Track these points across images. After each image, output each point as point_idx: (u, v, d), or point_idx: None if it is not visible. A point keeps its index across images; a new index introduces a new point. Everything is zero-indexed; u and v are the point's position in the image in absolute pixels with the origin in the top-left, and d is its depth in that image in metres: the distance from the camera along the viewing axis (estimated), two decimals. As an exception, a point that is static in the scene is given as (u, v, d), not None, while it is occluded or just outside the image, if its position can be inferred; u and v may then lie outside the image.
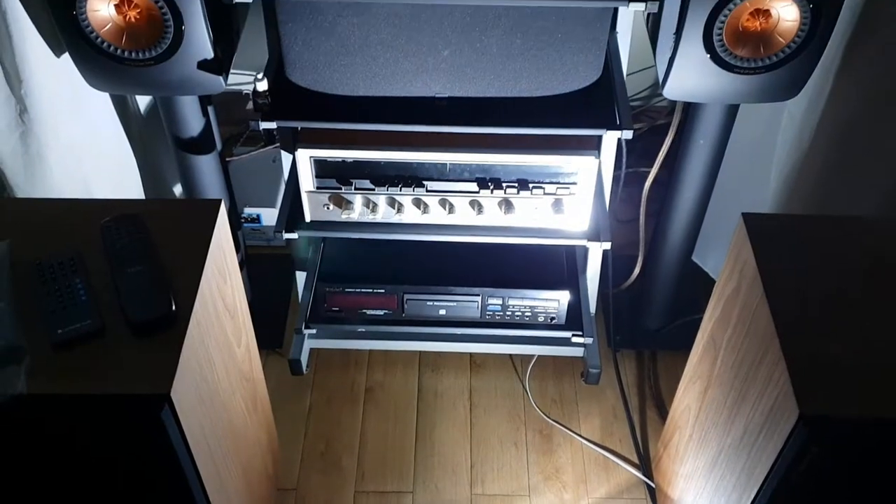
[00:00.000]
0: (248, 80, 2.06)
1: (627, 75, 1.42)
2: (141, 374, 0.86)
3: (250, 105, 2.11)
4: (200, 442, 0.95)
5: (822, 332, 0.92)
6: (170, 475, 0.92)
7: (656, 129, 2.11)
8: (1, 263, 0.93)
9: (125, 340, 0.89)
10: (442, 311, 1.49)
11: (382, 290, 1.47)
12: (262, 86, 1.17)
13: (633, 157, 1.95)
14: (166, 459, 0.90)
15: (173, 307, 0.91)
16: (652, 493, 1.46)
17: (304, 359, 1.56)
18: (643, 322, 1.72)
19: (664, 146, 1.55)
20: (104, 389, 0.85)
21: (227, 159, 1.86)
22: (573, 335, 1.49)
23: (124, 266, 0.94)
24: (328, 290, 1.48)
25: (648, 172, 1.61)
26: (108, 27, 1.12)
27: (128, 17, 1.12)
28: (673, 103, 1.89)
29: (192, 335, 0.91)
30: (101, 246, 0.97)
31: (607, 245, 1.35)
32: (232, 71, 1.26)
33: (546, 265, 1.52)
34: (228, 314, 1.09)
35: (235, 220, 1.62)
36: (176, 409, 0.86)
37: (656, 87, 2.05)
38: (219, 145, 1.45)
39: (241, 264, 1.66)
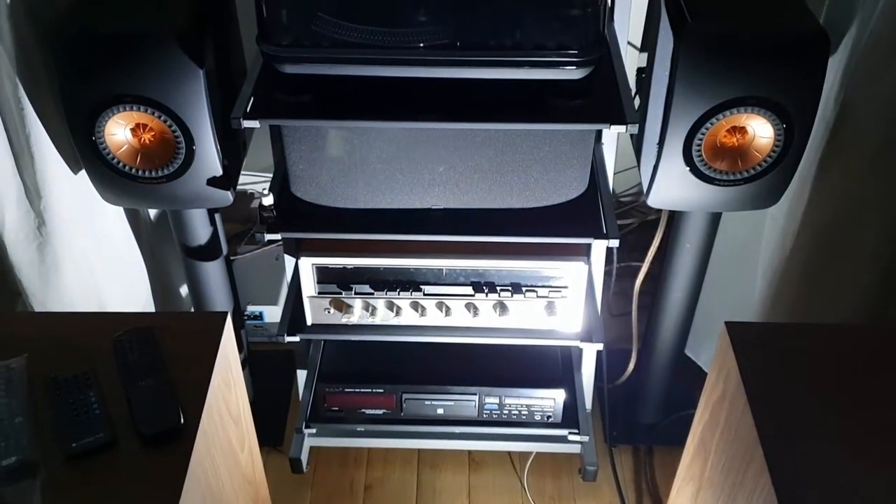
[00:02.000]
0: (252, 180, 2.15)
1: (616, 173, 1.49)
2: (150, 486, 0.90)
3: (255, 203, 2.19)
4: (204, 551, 0.98)
5: (805, 439, 0.95)
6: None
7: (647, 223, 2.18)
8: (18, 379, 0.97)
9: (135, 452, 0.93)
10: (440, 410, 1.52)
11: (381, 390, 1.51)
12: (268, 200, 1.23)
13: (624, 251, 2.01)
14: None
15: (181, 420, 0.95)
16: (650, 592, 1.47)
17: (304, 457, 1.59)
18: (639, 417, 1.75)
19: (654, 244, 1.61)
20: (113, 502, 0.89)
21: (231, 258, 1.93)
22: (569, 433, 1.52)
23: (135, 379, 0.99)
24: (328, 389, 1.52)
25: (640, 266, 1.66)
26: (123, 149, 1.20)
27: (143, 139, 1.20)
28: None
29: (198, 446, 0.95)
30: (113, 359, 1.02)
31: (600, 346, 1.40)
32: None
33: (541, 363, 1.56)
34: (233, 421, 1.13)
35: (239, 320, 1.67)
36: (182, 521, 0.89)
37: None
38: (224, 250, 1.51)
39: (244, 363, 1.70)
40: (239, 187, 1.96)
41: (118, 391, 0.98)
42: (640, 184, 1.89)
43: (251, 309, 1.88)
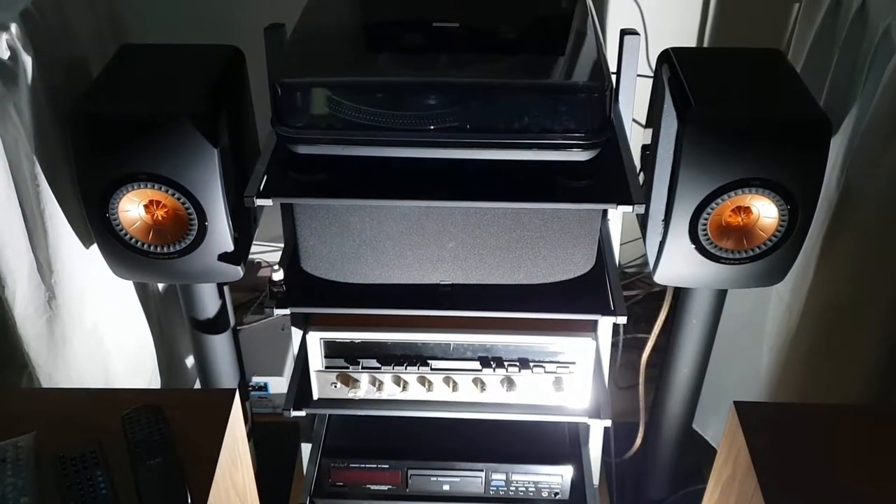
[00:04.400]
0: (260, 250, 2.16)
1: (622, 244, 1.51)
2: (155, 570, 0.89)
3: (262, 273, 2.20)
4: None
5: (816, 523, 0.94)
6: None
7: (652, 294, 2.19)
8: (26, 458, 0.97)
9: (141, 534, 0.92)
10: (446, 487, 1.51)
11: (387, 466, 1.50)
12: (278, 276, 1.24)
13: (630, 323, 2.01)
14: None
15: (189, 500, 0.95)
16: None
17: (308, 533, 1.56)
18: (646, 492, 1.73)
19: (660, 318, 1.61)
20: (118, 586, 0.88)
21: (238, 328, 1.93)
22: (577, 510, 1.50)
23: (144, 458, 0.98)
24: (333, 464, 1.51)
25: (646, 338, 1.66)
26: (136, 225, 1.21)
27: (156, 216, 1.21)
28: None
29: (205, 528, 0.94)
30: (121, 437, 1.01)
31: (608, 422, 1.39)
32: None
33: (549, 439, 1.54)
34: (238, 499, 1.12)
35: (244, 391, 1.66)
36: None
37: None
38: (232, 322, 1.52)
39: (249, 435, 1.69)
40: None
41: (126, 470, 0.98)
42: (645, 255, 1.91)
43: (256, 380, 1.88)
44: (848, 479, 0.99)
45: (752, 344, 1.64)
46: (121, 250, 1.23)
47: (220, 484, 1.01)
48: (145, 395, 1.10)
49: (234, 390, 1.09)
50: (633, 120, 1.41)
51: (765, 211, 1.21)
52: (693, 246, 1.25)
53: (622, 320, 1.27)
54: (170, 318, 1.70)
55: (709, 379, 1.56)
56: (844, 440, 1.04)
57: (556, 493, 1.51)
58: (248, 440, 1.67)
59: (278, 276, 1.25)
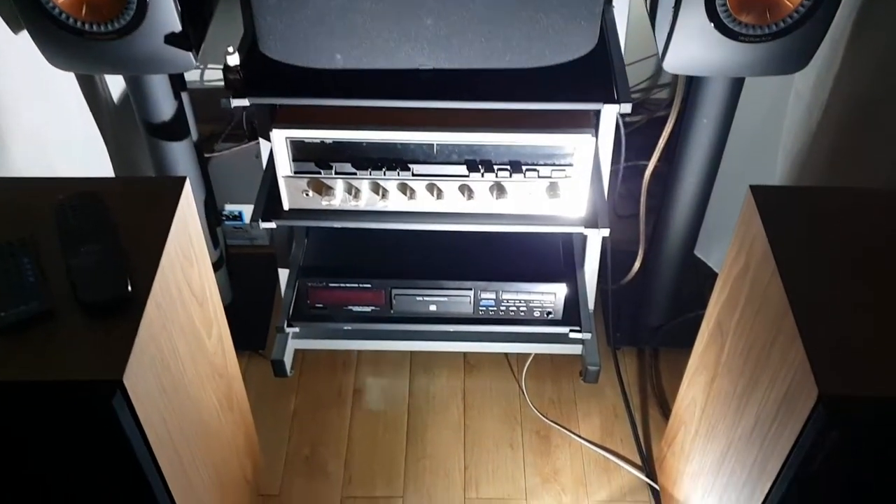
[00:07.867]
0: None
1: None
2: (92, 360, 0.79)
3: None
4: (163, 436, 0.87)
5: (838, 308, 0.84)
6: (127, 471, 0.84)
7: (654, 121, 2.04)
8: (-58, 243, 0.85)
9: (76, 324, 0.81)
10: (432, 307, 1.41)
11: (369, 285, 1.39)
12: (234, 60, 1.09)
13: (631, 151, 1.87)
14: (122, 453, 0.81)
15: (129, 288, 0.83)
16: (656, 494, 1.38)
17: (287, 360, 1.48)
18: (644, 319, 1.63)
19: (663, 135, 1.48)
20: (51, 376, 0.77)
21: (208, 155, 1.79)
22: (571, 331, 1.41)
23: (78, 245, 0.87)
24: (311, 285, 1.40)
25: (647, 165, 1.54)
26: (66, -4, 1.05)
27: (88, -15, 1.05)
28: (672, 94, 1.82)
29: (150, 318, 0.83)
30: (55, 225, 0.89)
31: (606, 232, 1.27)
32: (211, 65, 1.18)
33: (542, 256, 1.44)
34: (196, 301, 1.01)
35: (215, 217, 1.54)
36: (130, 397, 0.77)
37: (654, 78, 1.98)
38: (194, 134, 1.38)
39: (221, 261, 1.58)
40: (214, 82, 1.82)
41: (59, 259, 0.86)
42: (649, 79, 1.75)
43: (230, 208, 1.75)
44: (871, 262, 0.88)
45: (762, 167, 1.51)
46: (51, 30, 1.07)
47: (168, 276, 0.90)
48: (83, 183, 0.96)
49: (183, 178, 0.96)
50: None
51: (793, -26, 1.05)
52: (710, 23, 1.09)
53: (627, 108, 1.13)
54: (127, 136, 1.55)
55: (714, 204, 1.44)
56: (868, 224, 0.92)
57: (548, 313, 1.41)
58: (219, 268, 1.57)
59: (233, 59, 1.10)
